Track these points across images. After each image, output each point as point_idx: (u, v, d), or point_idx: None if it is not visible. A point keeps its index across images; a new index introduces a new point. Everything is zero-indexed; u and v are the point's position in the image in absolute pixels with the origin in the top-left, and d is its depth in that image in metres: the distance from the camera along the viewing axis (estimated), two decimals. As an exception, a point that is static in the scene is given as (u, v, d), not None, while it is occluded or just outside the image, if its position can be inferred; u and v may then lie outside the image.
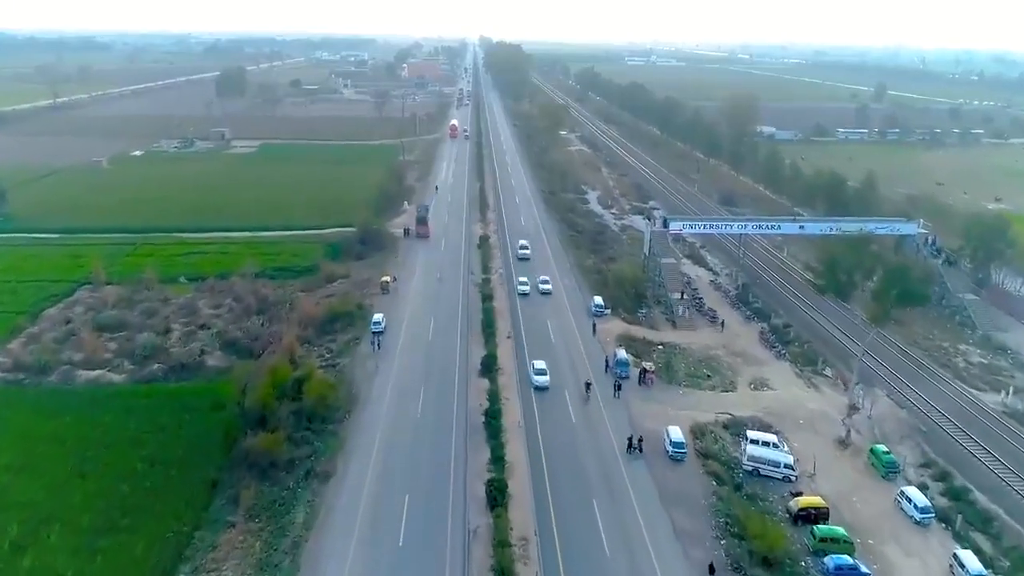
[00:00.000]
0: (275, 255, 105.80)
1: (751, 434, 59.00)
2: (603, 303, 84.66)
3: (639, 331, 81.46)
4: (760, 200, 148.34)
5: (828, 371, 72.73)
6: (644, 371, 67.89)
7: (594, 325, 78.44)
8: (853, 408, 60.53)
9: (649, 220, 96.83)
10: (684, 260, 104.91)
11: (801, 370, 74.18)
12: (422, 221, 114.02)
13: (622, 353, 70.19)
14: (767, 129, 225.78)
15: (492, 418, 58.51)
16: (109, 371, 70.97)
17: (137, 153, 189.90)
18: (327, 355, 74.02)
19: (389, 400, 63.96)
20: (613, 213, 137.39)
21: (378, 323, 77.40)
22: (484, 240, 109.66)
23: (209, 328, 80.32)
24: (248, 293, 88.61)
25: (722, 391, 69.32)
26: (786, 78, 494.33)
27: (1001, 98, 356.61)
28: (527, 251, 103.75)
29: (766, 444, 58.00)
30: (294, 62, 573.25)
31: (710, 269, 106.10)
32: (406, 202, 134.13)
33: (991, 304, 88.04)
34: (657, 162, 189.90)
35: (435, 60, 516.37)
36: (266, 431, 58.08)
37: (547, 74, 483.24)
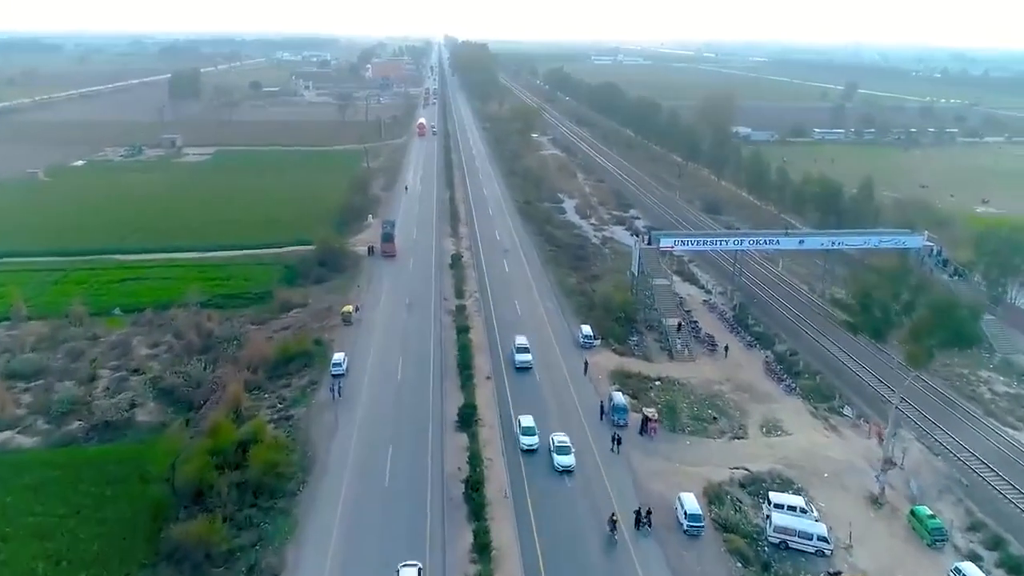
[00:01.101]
0: (224, 280, 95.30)
1: (775, 497, 50.81)
2: (592, 333, 76.03)
3: (633, 364, 72.98)
4: (745, 207, 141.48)
5: (847, 410, 64.96)
6: (646, 419, 59.34)
7: (586, 363, 69.56)
8: (889, 463, 52.79)
9: (637, 236, 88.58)
10: (674, 277, 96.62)
11: (815, 408, 66.36)
12: (388, 239, 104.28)
13: (619, 397, 61.59)
14: (743, 130, 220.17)
15: (474, 489, 49.36)
16: (19, 433, 60.31)
17: (79, 163, 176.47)
18: (279, 405, 64.13)
19: (352, 464, 54.42)
20: (592, 224, 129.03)
21: (339, 364, 67.71)
22: (457, 259, 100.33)
23: (142, 373, 69.83)
24: (190, 328, 78.22)
25: (732, 437, 61.10)
26: (753, 76, 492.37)
27: (967, 96, 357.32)
28: (527, 358, 70.02)
29: (792, 509, 49.85)
30: (254, 63, 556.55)
31: (702, 287, 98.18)
32: (370, 215, 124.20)
33: (1007, 324, 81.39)
34: (634, 166, 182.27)
35: (400, 60, 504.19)
36: (202, 511, 48.49)
37: (515, 74, 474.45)
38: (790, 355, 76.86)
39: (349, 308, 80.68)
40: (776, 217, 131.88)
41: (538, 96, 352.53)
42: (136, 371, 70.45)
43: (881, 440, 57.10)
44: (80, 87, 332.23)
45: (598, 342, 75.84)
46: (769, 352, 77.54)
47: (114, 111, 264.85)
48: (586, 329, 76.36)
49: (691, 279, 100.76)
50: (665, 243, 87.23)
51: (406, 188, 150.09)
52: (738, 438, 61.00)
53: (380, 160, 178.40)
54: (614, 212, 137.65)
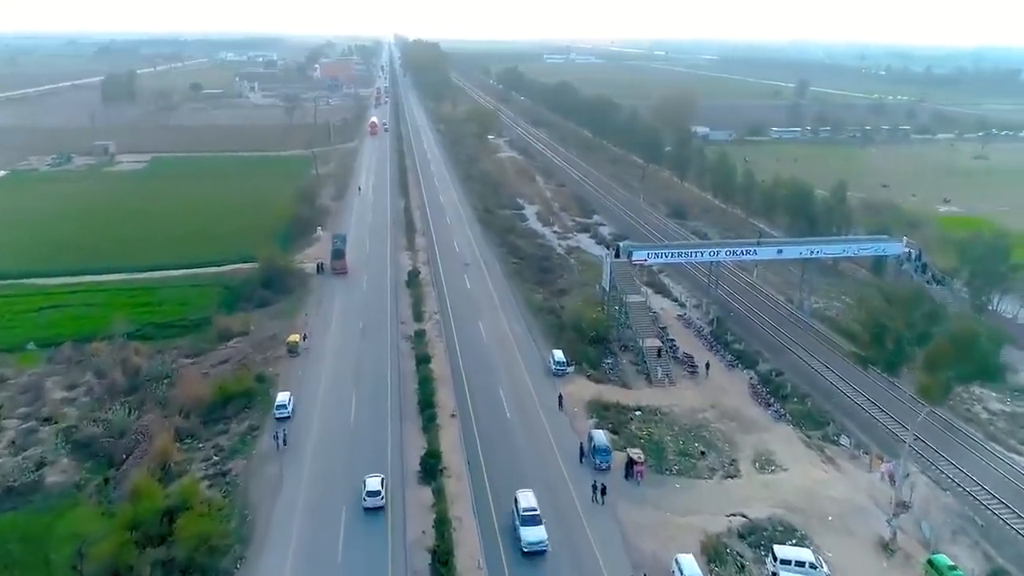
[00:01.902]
0: (156, 306, 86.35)
1: (780, 552, 45.27)
2: (564, 358, 69.79)
3: (610, 392, 66.94)
4: (711, 211, 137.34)
5: (844, 439, 60.06)
6: (631, 462, 53.30)
7: (560, 397, 63.19)
8: (902, 506, 47.77)
9: (608, 249, 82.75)
10: (645, 290, 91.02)
11: (809, 437, 61.34)
12: (338, 255, 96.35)
13: (600, 437, 55.44)
14: (701, 129, 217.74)
15: (442, 562, 42.55)
16: (-101, 505, 51.23)
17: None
18: (215, 457, 56.19)
19: (298, 532, 47.02)
20: (556, 232, 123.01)
21: (284, 406, 60.04)
22: (414, 275, 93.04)
23: (55, 423, 61.03)
24: (114, 364, 69.60)
25: (724, 476, 55.52)
26: (704, 75, 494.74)
27: (912, 92, 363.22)
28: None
29: (801, 565, 44.41)
30: (195, 63, 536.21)
31: (675, 300, 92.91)
32: (319, 228, 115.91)
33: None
34: (594, 169, 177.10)
35: (349, 60, 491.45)
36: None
37: (467, 73, 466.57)
38: (775, 375, 71.91)
39: (295, 337, 72.80)
40: (744, 221, 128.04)
41: (492, 96, 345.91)
42: (48, 420, 61.66)
43: (891, 480, 52.14)
44: (5, 90, 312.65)
45: (571, 368, 69.65)
46: (753, 373, 72.52)
47: (41, 116, 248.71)
48: (558, 355, 70.07)
49: (663, 291, 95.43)
50: (638, 256, 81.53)
51: (359, 189, 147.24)
52: (730, 477, 55.44)
53: (330, 166, 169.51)
54: (578, 218, 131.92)
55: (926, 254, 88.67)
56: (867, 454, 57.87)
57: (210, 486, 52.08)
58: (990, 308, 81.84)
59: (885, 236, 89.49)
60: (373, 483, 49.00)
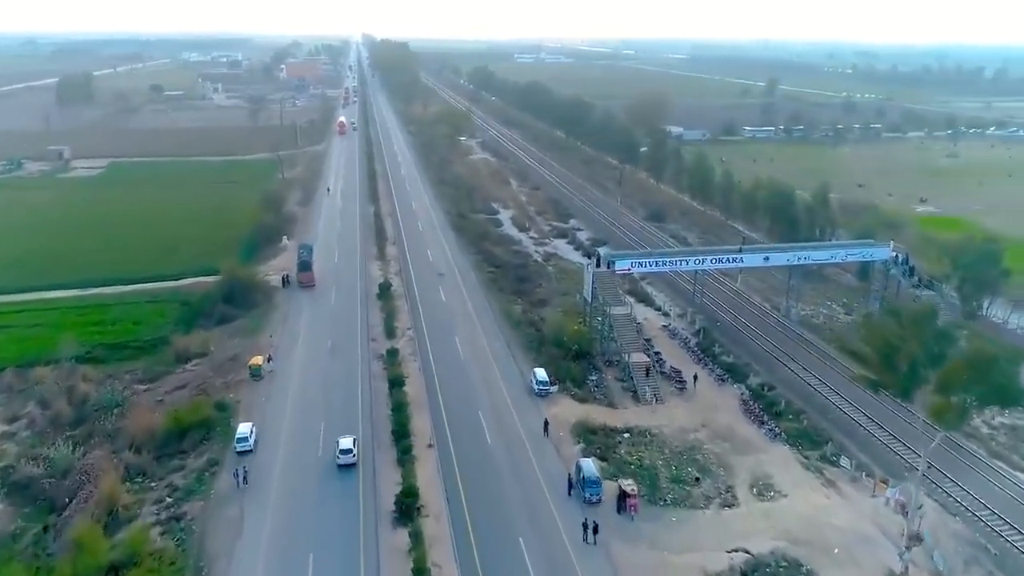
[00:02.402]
0: (108, 325, 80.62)
1: (788, 593, 41.91)
2: (547, 377, 65.86)
3: (596, 413, 63.18)
4: (690, 213, 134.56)
5: (844, 461, 56.96)
6: (624, 495, 49.53)
7: (546, 422, 59.15)
8: (915, 539, 44.63)
9: (589, 258, 79.05)
10: (628, 299, 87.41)
11: (806, 457, 58.20)
12: (305, 267, 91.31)
13: (590, 467, 51.57)
14: (675, 129, 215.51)
15: (421, 621, 38.37)
16: None
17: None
18: (169, 499, 51.15)
19: (260, 585, 42.48)
20: (532, 237, 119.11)
21: (245, 439, 55.23)
22: (386, 288, 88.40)
23: (-9, 463, 55.51)
24: (60, 393, 64.12)
25: (722, 505, 52.04)
26: (673, 73, 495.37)
27: (879, 91, 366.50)
28: None
29: (810, 607, 41.09)
30: (157, 64, 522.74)
31: (658, 309, 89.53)
32: (285, 237, 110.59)
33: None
34: (569, 171, 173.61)
35: (316, 60, 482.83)
36: None
37: (437, 73, 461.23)
38: (767, 390, 68.86)
39: (259, 359, 67.80)
40: (724, 224, 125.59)
41: (463, 96, 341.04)
42: (-17, 459, 55.99)
43: (900, 509, 49.06)
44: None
45: (555, 388, 65.72)
46: (743, 388, 69.36)
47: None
48: (540, 373, 66.10)
49: (646, 299, 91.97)
50: (621, 266, 77.96)
51: (328, 190, 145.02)
52: (728, 506, 51.96)
53: (297, 170, 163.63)
54: (554, 223, 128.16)
55: (912, 257, 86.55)
56: (870, 477, 54.85)
57: (162, 533, 47.17)
58: (981, 314, 79.63)
59: (871, 241, 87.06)
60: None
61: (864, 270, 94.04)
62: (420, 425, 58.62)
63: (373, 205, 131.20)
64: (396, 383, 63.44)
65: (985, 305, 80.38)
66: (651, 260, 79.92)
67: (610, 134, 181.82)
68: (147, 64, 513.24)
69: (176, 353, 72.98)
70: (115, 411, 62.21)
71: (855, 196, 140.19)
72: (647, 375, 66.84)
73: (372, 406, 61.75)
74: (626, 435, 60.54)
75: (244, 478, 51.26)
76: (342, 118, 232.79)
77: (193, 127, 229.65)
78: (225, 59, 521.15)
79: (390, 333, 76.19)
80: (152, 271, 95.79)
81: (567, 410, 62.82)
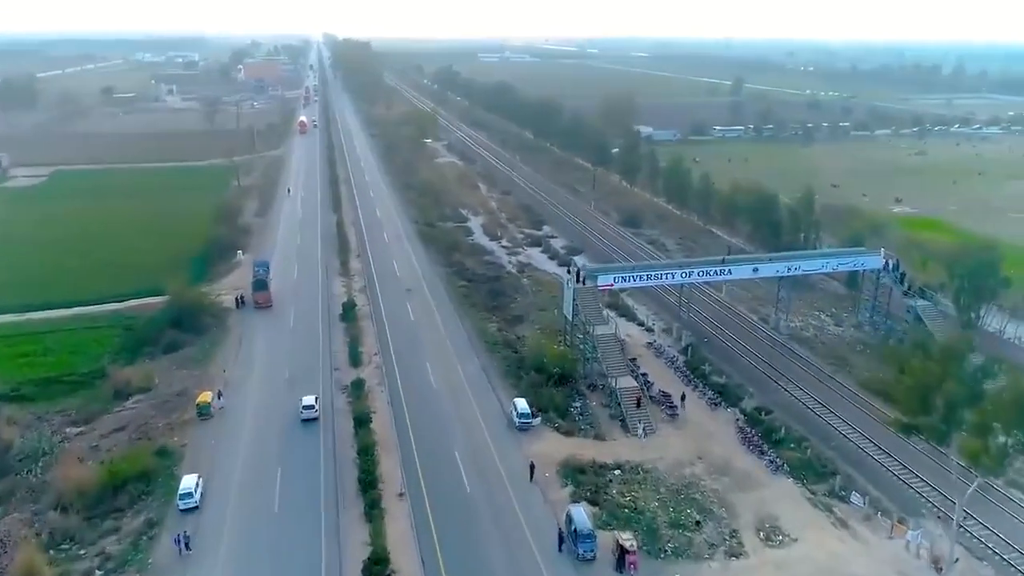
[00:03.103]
0: (40, 356, 73.00)
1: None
2: (528, 409, 60.16)
3: (584, 448, 57.70)
4: (667, 218, 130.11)
5: (855, 497, 52.28)
6: (622, 552, 44.05)
7: (532, 466, 53.27)
8: (949, 596, 40.08)
9: (568, 273, 73.55)
10: (610, 314, 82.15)
11: (813, 493, 53.47)
12: (261, 285, 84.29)
13: (581, 517, 45.88)
14: (645, 129, 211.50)
15: None
16: None
17: None
18: (99, 570, 44.27)
19: None
20: (504, 247, 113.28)
21: (189, 495, 48.49)
22: (350, 308, 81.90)
23: None
24: (-23, 442, 56.33)
25: (728, 554, 46.88)
26: (638, 72, 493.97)
27: (841, 88, 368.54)
28: None
29: None
30: (109, 65, 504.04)
31: (641, 323, 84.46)
32: (240, 251, 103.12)
33: (987, 355, 72.18)
34: (539, 173, 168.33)
35: (276, 60, 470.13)
36: None
37: (401, 73, 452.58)
38: (764, 414, 64.09)
39: (207, 396, 60.91)
40: (703, 230, 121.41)
41: (427, 97, 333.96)
42: None
43: (927, 556, 44.43)
44: None
45: (537, 420, 60.10)
46: (738, 412, 64.50)
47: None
48: (521, 405, 60.36)
49: (626, 312, 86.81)
50: (603, 281, 72.79)
51: (288, 191, 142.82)
52: (735, 555, 46.81)
53: (254, 176, 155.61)
54: (527, 230, 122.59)
55: (902, 263, 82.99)
56: (885, 516, 50.21)
57: (89, 617, 40.41)
58: (979, 325, 76.18)
59: (863, 249, 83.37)
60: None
61: (853, 277, 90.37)
62: (390, 470, 52.41)
63: (335, 214, 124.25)
64: (362, 421, 57.16)
65: (987, 317, 76.72)
66: (635, 274, 74.76)
67: (580, 135, 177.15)
68: (98, 65, 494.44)
69: (115, 388, 65.64)
70: (43, 460, 54.91)
71: (832, 197, 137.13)
72: (638, 406, 61.45)
73: (335, 448, 55.38)
74: (617, 472, 55.17)
75: (187, 544, 44.58)
76: (303, 117, 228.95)
77: (145, 131, 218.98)
78: (181, 59, 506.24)
79: (355, 360, 69.79)
80: (92, 292, 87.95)
81: (552, 446, 57.22)
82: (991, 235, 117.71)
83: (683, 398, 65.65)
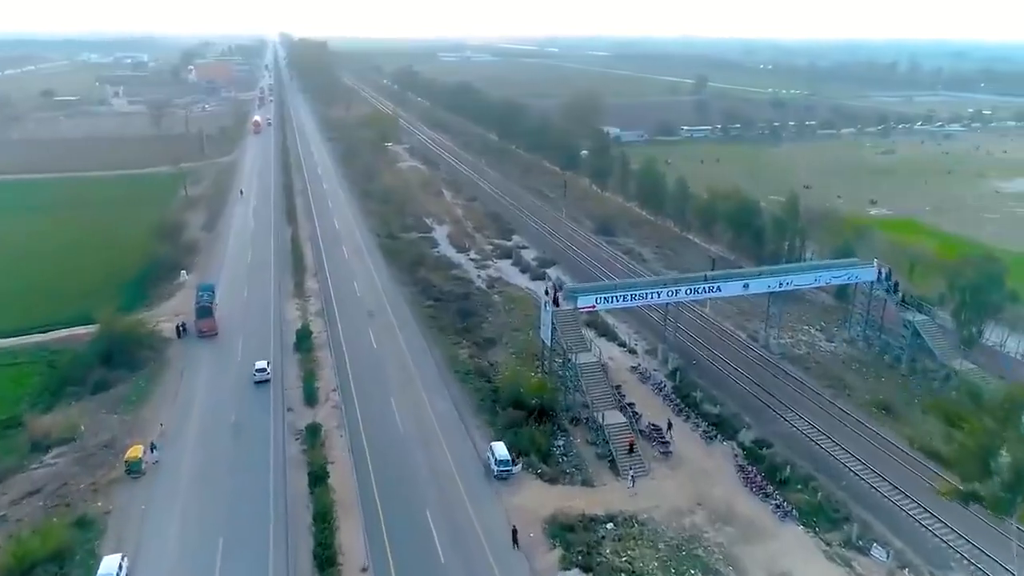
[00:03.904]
0: (-54, 402, 63.63)
1: None
2: (508, 455, 53.52)
3: (571, 497, 51.31)
4: (640, 224, 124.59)
5: (876, 550, 46.78)
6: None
7: (515, 532, 46.52)
8: None
9: (547, 294, 67.07)
10: (590, 335, 75.83)
11: (828, 544, 47.91)
12: (205, 312, 76.03)
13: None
14: (612, 130, 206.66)
15: None
16: None
17: None
18: None
19: None
20: (473, 259, 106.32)
21: (109, 581, 40.81)
22: (305, 335, 74.26)
23: None
24: None
25: (742, 627, 40.99)
26: (600, 71, 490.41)
27: (802, 87, 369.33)
28: None
29: None
30: (53, 66, 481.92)
31: (623, 344, 78.50)
32: (184, 271, 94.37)
33: (989, 373, 67.97)
34: (506, 178, 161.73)
35: (229, 60, 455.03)
36: None
37: (359, 73, 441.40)
38: (763, 448, 58.59)
39: (137, 450, 52.93)
40: (680, 237, 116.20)
41: (387, 98, 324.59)
42: None
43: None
44: None
45: (517, 467, 53.51)
46: (735, 446, 58.84)
47: None
48: (500, 450, 53.66)
49: (607, 331, 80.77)
50: (584, 303, 66.52)
51: (241, 192, 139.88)
52: (751, 628, 40.97)
53: (203, 185, 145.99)
54: (495, 240, 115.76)
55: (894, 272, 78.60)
56: (912, 574, 44.84)
57: None
58: (982, 340, 71.94)
59: (855, 260, 78.61)
60: None
61: (843, 288, 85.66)
62: (350, 539, 45.32)
63: (290, 227, 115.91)
64: (318, 478, 49.86)
65: (988, 331, 72.54)
66: (618, 294, 68.55)
67: (547, 137, 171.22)
68: (40, 67, 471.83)
69: (32, 439, 57.19)
70: (-65, 539, 46.43)
71: (806, 199, 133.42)
72: (631, 451, 55.19)
73: (288, 513, 48.00)
74: (610, 526, 48.94)
75: (104, 649, 36.96)
76: (257, 116, 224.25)
77: (87, 136, 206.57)
78: (129, 60, 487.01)
79: (310, 399, 62.30)
80: (12, 322, 78.68)
81: (536, 498, 50.72)
82: (970, 237, 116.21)
83: (669, 426, 60.12)
